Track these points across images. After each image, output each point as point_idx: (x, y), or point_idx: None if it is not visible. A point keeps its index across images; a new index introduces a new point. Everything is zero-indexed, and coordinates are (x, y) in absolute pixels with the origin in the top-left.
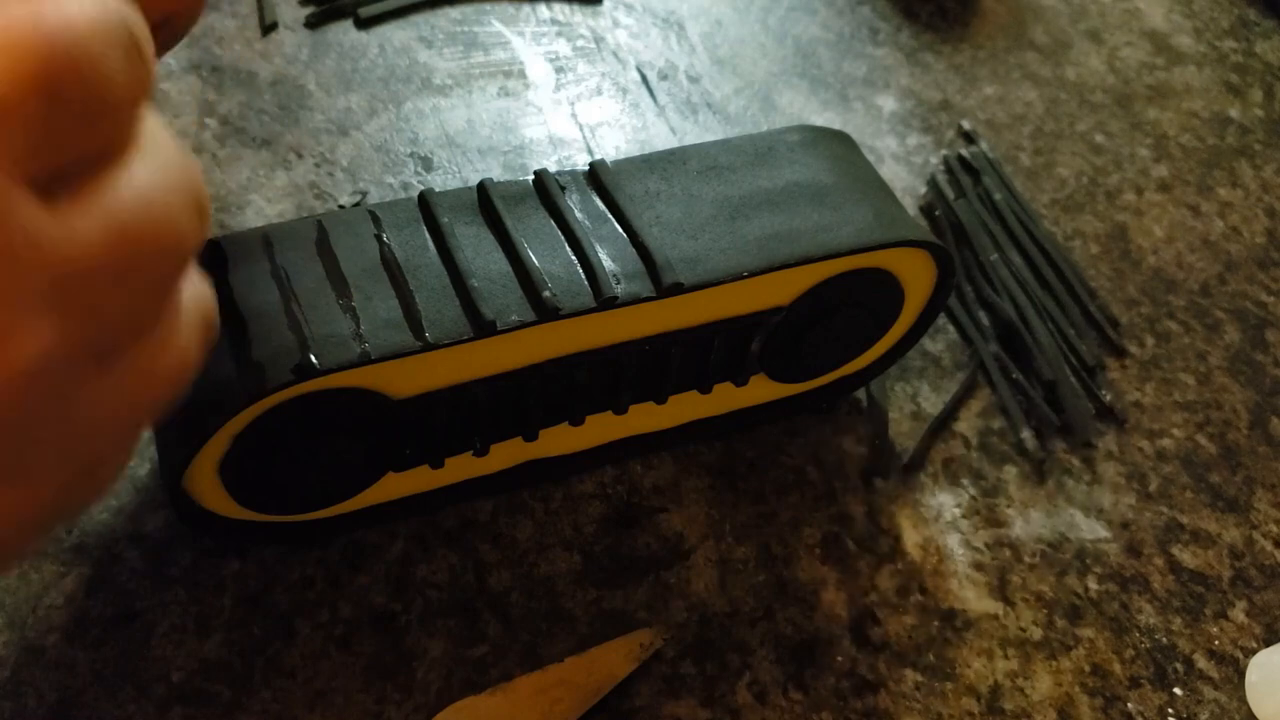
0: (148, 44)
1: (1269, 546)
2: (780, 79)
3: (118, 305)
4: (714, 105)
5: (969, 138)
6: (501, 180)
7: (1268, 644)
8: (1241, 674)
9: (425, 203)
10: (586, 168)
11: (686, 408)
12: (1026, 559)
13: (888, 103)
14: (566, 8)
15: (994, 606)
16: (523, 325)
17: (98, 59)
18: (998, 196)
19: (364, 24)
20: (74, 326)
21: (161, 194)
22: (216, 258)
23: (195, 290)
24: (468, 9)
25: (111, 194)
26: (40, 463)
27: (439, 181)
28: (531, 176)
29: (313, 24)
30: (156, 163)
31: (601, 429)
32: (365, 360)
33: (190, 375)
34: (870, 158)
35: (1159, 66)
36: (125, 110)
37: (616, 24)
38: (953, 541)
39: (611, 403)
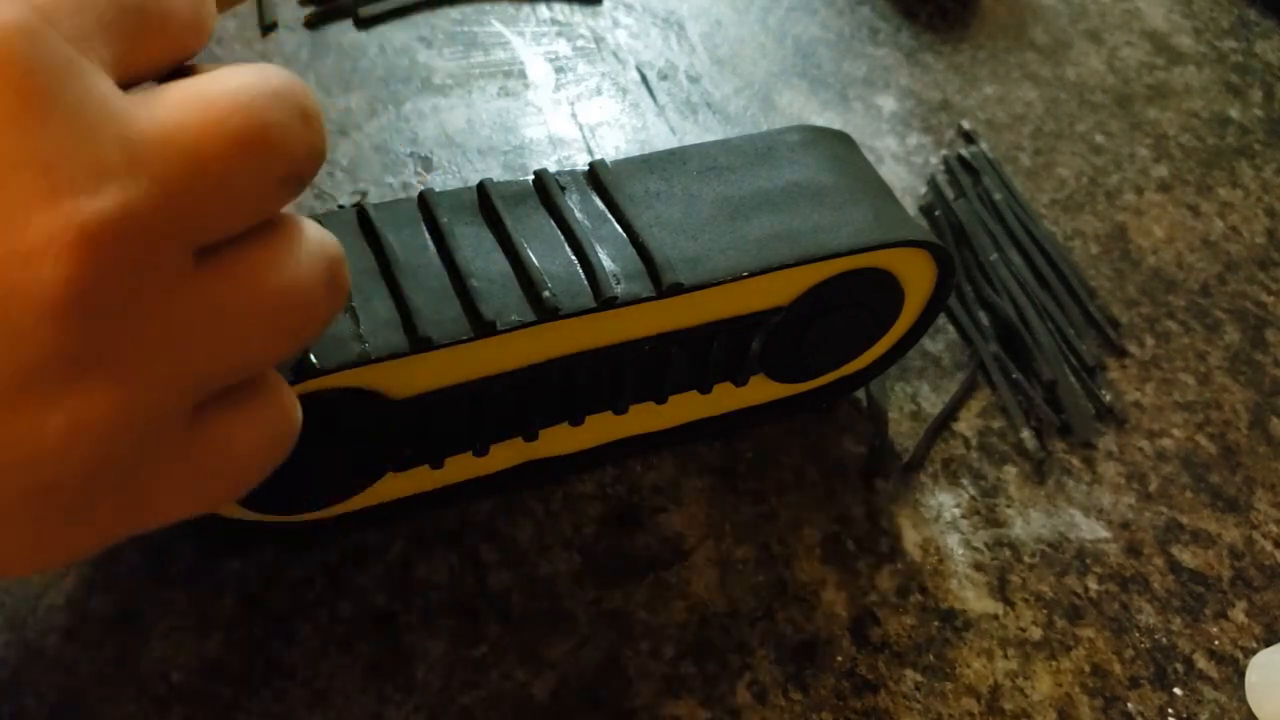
0: (319, 118)
1: (1269, 546)
2: (780, 79)
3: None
4: (714, 105)
5: (969, 138)
6: (501, 180)
7: (1268, 644)
8: (1241, 674)
9: (425, 203)
10: (586, 168)
11: (686, 408)
12: (1026, 559)
13: (888, 103)
14: (566, 8)
15: (994, 606)
16: (523, 325)
17: (285, 125)
18: (998, 196)
19: (364, 24)
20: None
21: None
22: None
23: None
24: (468, 9)
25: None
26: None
27: (439, 181)
28: (531, 176)
29: (312, 24)
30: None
31: (601, 429)
32: (365, 360)
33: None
34: (870, 158)
35: (1159, 66)
36: (306, 175)
37: (616, 24)
38: (953, 541)
39: (611, 403)
